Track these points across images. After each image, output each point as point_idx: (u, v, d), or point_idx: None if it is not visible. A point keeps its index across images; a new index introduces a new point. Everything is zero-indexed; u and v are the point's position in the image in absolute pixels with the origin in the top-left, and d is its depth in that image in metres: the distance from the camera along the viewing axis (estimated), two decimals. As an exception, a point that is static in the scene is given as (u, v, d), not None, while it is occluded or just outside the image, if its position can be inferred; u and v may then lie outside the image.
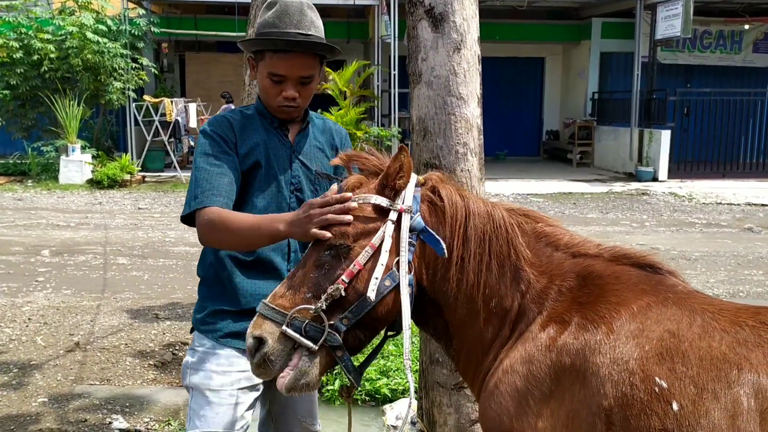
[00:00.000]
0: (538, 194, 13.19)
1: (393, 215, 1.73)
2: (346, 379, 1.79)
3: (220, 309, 2.11)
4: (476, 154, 2.41)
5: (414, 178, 1.81)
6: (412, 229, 1.73)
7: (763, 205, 12.38)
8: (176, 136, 14.82)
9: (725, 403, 1.36)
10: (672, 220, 10.87)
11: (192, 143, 15.33)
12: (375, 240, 1.70)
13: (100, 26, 13.99)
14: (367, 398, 4.49)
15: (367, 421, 4.29)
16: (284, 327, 1.64)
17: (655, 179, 14.73)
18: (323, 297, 1.65)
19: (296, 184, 2.15)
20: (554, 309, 1.69)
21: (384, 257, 1.68)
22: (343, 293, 1.65)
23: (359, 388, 4.51)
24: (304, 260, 1.76)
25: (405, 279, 1.69)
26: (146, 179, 14.37)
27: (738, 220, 10.90)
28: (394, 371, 4.63)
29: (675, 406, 1.40)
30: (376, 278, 1.66)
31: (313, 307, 1.65)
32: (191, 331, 2.19)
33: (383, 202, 1.75)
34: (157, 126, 14.36)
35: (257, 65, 2.10)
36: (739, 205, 12.37)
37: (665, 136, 14.69)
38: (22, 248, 8.25)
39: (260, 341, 1.66)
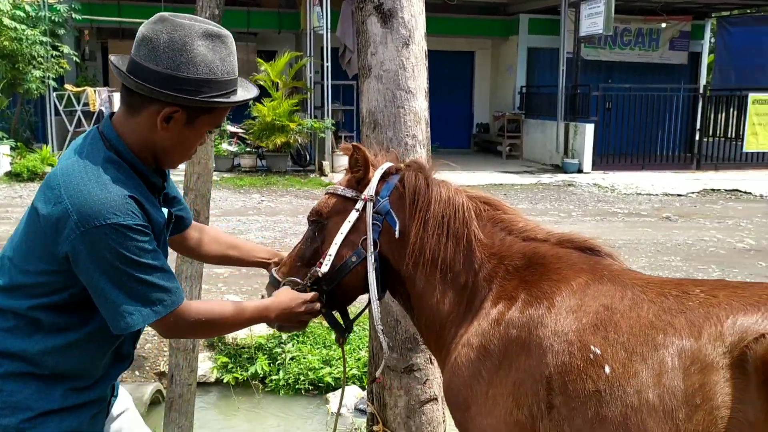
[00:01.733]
0: (470, 185, 13.44)
1: (359, 204, 2.02)
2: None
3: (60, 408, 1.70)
4: (424, 146, 2.50)
5: (385, 167, 2.07)
6: (378, 212, 2.01)
7: (679, 195, 13.08)
8: (101, 126, 14.33)
9: (652, 364, 1.51)
10: (596, 210, 11.35)
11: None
12: (344, 226, 2.02)
13: (18, 12, 13.33)
14: (310, 387, 4.55)
15: (312, 410, 4.35)
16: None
17: (580, 171, 15.30)
18: (308, 275, 2.02)
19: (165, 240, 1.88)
20: (504, 287, 1.88)
21: (339, 238, 2.01)
22: (320, 272, 2.00)
23: (304, 378, 4.57)
24: (304, 235, 2.14)
25: (371, 256, 1.98)
26: (70, 171, 13.85)
27: (656, 209, 11.48)
28: (336, 360, 4.71)
29: (607, 370, 1.56)
30: (330, 255, 2.00)
31: (301, 282, 2.02)
32: None
33: (348, 193, 2.06)
34: (80, 116, 13.84)
35: (185, 120, 1.69)
36: (657, 195, 13.02)
37: (589, 129, 15.27)
38: (-61, 244, 7.85)
39: (262, 298, 2.06)
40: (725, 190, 13.53)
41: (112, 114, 1.76)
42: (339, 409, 2.33)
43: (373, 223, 2.00)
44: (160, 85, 1.62)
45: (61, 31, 14.61)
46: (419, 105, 2.46)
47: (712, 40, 20.07)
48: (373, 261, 1.99)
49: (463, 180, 13.87)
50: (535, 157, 17.25)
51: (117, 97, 14.88)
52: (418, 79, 2.46)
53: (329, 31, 14.29)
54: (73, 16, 14.74)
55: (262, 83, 13.31)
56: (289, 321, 1.95)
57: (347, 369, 4.60)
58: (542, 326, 1.71)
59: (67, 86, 14.34)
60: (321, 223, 2.07)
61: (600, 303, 1.69)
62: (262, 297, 2.10)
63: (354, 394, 4.34)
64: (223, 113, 1.76)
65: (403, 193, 2.03)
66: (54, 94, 14.01)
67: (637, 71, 18.03)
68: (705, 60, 19.14)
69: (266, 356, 4.68)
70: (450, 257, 1.98)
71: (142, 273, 1.61)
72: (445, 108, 19.19)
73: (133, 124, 1.68)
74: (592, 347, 1.61)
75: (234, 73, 1.72)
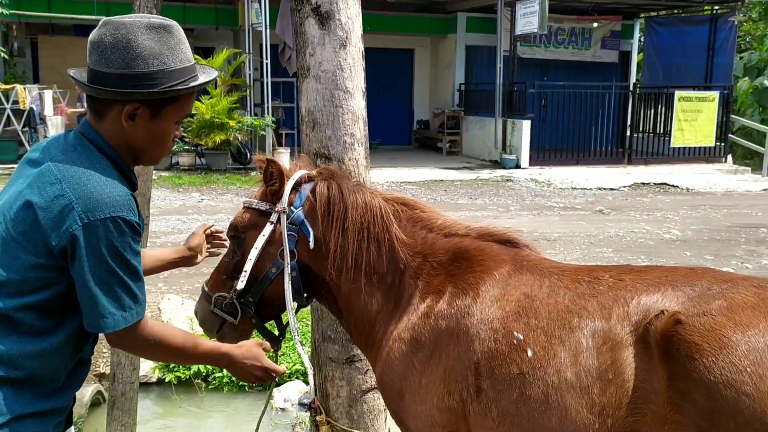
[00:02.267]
0: (411, 182, 13.65)
1: (273, 216, 2.07)
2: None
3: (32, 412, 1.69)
4: (362, 144, 2.59)
5: (296, 177, 2.10)
6: (293, 223, 2.05)
7: (611, 189, 13.58)
8: (31, 125, 13.85)
9: (569, 345, 1.65)
10: (534, 204, 11.68)
11: (47, 133, 14.38)
12: (260, 238, 2.06)
13: (-60, 5, 12.79)
14: (254, 384, 4.58)
15: (256, 405, 4.38)
16: (212, 306, 2.12)
17: (518, 166, 15.69)
18: (232, 290, 2.07)
19: None
20: (430, 282, 1.97)
21: (254, 253, 2.05)
22: (241, 285, 2.06)
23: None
24: (228, 249, 2.20)
25: (288, 267, 2.04)
26: (-2, 172, 13.35)
27: (590, 203, 11.91)
28: (280, 356, 4.74)
29: (529, 353, 1.69)
30: (246, 271, 2.04)
31: (228, 295, 2.09)
32: None
33: (262, 206, 2.10)
34: (9, 114, 13.36)
35: (149, 113, 1.70)
36: (590, 189, 13.49)
37: (526, 126, 15.67)
38: None
39: (195, 313, 2.20)
40: (654, 184, 14.13)
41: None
42: (264, 412, 2.33)
43: (288, 234, 2.03)
44: (114, 86, 1.64)
45: (-13, 26, 14.07)
46: (357, 104, 2.54)
47: (642, 39, 20.84)
48: (290, 271, 2.03)
49: (404, 176, 14.05)
50: (474, 154, 17.58)
51: (48, 94, 14.42)
52: (356, 80, 2.54)
53: (268, 28, 14.20)
54: (1, 11, 14.19)
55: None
56: (241, 376, 1.92)
57: (291, 365, 4.65)
58: (469, 315, 1.82)
59: (-5, 83, 13.82)
60: (239, 238, 2.10)
61: (521, 291, 1.81)
62: (195, 309, 2.18)
63: (298, 389, 4.40)
64: (189, 100, 1.76)
65: (316, 203, 2.06)
66: (-19, 91, 13.49)
67: (571, 69, 18.57)
68: (635, 59, 19.87)
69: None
70: (374, 260, 2.03)
71: (126, 275, 1.65)
72: (386, 105, 19.33)
73: (105, 127, 1.71)
74: (515, 333, 1.73)
75: (188, 60, 1.72)
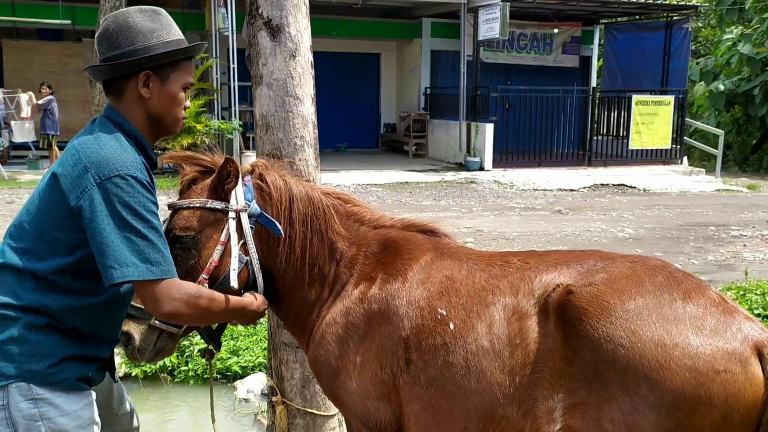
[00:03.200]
0: (377, 184, 13.90)
1: (232, 214, 2.06)
2: (206, 345, 2.25)
3: (77, 356, 1.94)
4: (312, 146, 2.82)
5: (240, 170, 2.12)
6: (249, 216, 2.08)
7: (571, 190, 14.00)
8: (-4, 128, 13.81)
9: (485, 318, 1.92)
10: (495, 205, 12.01)
11: (12, 137, 14.32)
12: (223, 237, 2.04)
13: None
14: (218, 376, 4.78)
15: (220, 397, 4.58)
16: (152, 321, 1.97)
17: (481, 168, 16.04)
18: None
19: None
20: (363, 270, 2.18)
21: (235, 251, 2.03)
22: (232, 286, 2.01)
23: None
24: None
25: (257, 263, 2.09)
26: (-38, 176, 13.27)
27: (550, 203, 12.27)
28: (243, 350, 4.95)
29: (451, 326, 1.95)
30: (234, 269, 2.02)
31: None
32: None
33: (219, 205, 2.06)
34: (-27, 119, 13.31)
35: (159, 80, 1.95)
36: (552, 190, 13.89)
37: (489, 129, 16.04)
38: None
39: (128, 336, 1.99)
40: (613, 185, 14.59)
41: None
42: (212, 405, 2.38)
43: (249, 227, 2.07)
44: (125, 59, 1.92)
45: (-50, 30, 13.98)
46: (306, 109, 2.78)
47: (602, 44, 21.42)
48: (258, 264, 2.09)
49: (371, 178, 14.30)
50: (440, 156, 17.90)
51: (23, 98, 14.41)
52: (305, 87, 2.77)
53: (235, 32, 14.33)
54: (-37, 14, 14.12)
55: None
56: (253, 319, 2.11)
57: (254, 358, 4.85)
58: (398, 297, 2.06)
59: (-42, 87, 13.72)
60: (194, 239, 2.03)
61: (443, 274, 2.07)
62: (125, 333, 1.99)
63: (260, 380, 4.60)
64: (187, 66, 2.01)
65: (269, 192, 2.14)
66: (-57, 95, 13.39)
67: (533, 74, 19.03)
68: (595, 63, 20.43)
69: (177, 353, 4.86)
70: (316, 252, 2.18)
71: (145, 228, 1.80)
72: (353, 109, 19.58)
73: (125, 105, 1.96)
74: (439, 309, 1.99)
75: (180, 35, 1.99)
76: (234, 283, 2.01)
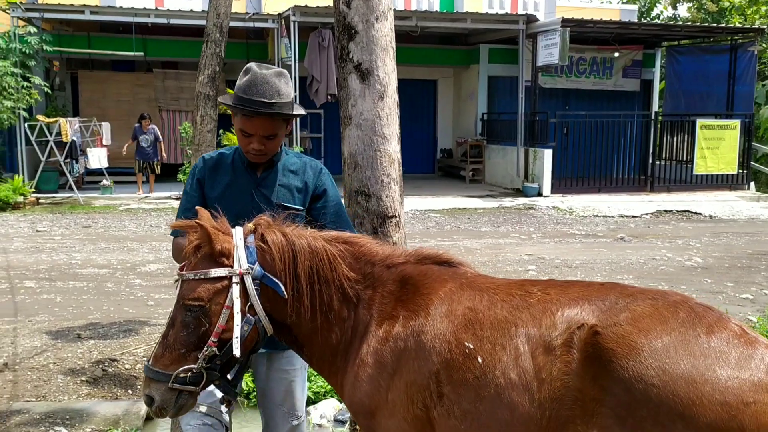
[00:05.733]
0: (435, 210, 13.98)
1: (236, 279, 2.11)
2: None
3: None
4: (397, 183, 2.94)
5: (239, 234, 2.18)
6: (253, 278, 2.13)
7: (633, 216, 13.75)
8: (72, 156, 14.49)
9: (510, 350, 1.95)
10: (555, 231, 11.91)
11: (88, 164, 15.02)
12: (228, 301, 2.09)
13: (-11, 44, 13.55)
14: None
15: (294, 422, 4.69)
16: (170, 383, 2.08)
17: (540, 194, 15.93)
18: (200, 357, 2.08)
19: (256, 212, 2.49)
20: (383, 310, 2.20)
21: (238, 318, 2.08)
22: (216, 351, 2.09)
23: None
24: (171, 320, 2.15)
25: (265, 319, 2.16)
26: (41, 201, 13.96)
27: (612, 230, 12.09)
28: (315, 376, 5.07)
29: (479, 360, 1.98)
30: (237, 338, 2.07)
31: (195, 366, 2.09)
32: None
33: (221, 272, 2.11)
34: (52, 146, 14.01)
35: (234, 118, 2.52)
36: (612, 217, 13.68)
37: (548, 154, 15.95)
38: None
39: (151, 398, 2.11)
40: (677, 211, 14.27)
41: None
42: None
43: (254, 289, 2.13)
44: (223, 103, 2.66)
45: (32, 63, 14.80)
46: (393, 148, 2.91)
47: (664, 67, 21.08)
48: (267, 320, 2.16)
49: (428, 204, 14.40)
50: (496, 182, 17.87)
51: (107, 126, 15.18)
52: (392, 126, 2.90)
53: (297, 61, 14.75)
54: (44, 47, 14.95)
55: (230, 112, 13.69)
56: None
57: (325, 383, 4.96)
58: (424, 333, 2.08)
59: (40, 117, 14.49)
60: (204, 308, 2.10)
61: (465, 306, 2.09)
62: (147, 396, 2.12)
63: (333, 405, 4.70)
64: (241, 119, 2.47)
65: (270, 253, 2.17)
66: (26, 124, 14.16)
67: (593, 98, 18.85)
68: (656, 87, 20.09)
69: (249, 375, 5.01)
70: (327, 300, 2.20)
71: (182, 196, 2.67)
72: (410, 134, 19.75)
73: None
74: (466, 343, 2.02)
75: (253, 95, 2.42)
76: (237, 351, 2.06)
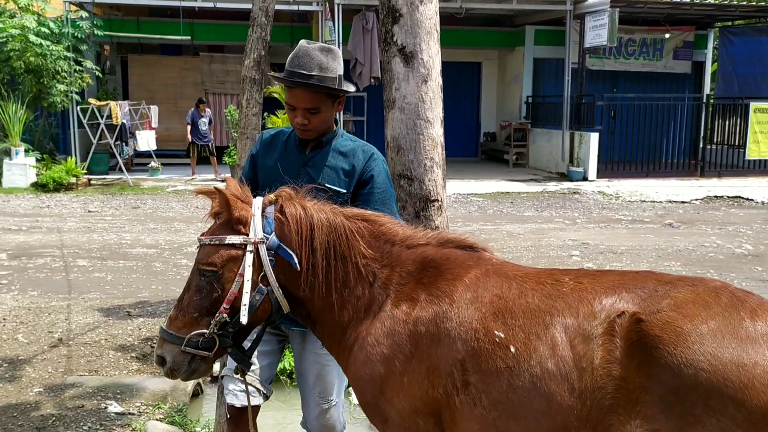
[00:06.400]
0: (478, 194, 13.89)
1: (250, 247, 2.12)
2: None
3: None
4: (440, 167, 2.94)
5: (258, 204, 2.18)
6: (268, 248, 2.13)
7: (682, 202, 13.42)
8: (122, 138, 14.85)
9: (546, 340, 1.92)
10: (600, 217, 11.72)
11: (137, 146, 15.38)
12: (241, 269, 2.11)
13: (43, 29, 13.92)
14: (334, 381, 4.97)
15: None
16: (183, 347, 2.10)
17: (585, 179, 15.68)
18: (212, 323, 2.10)
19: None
20: (401, 291, 2.15)
21: (248, 286, 2.09)
22: (227, 318, 2.10)
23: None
24: (187, 284, 2.17)
25: (278, 291, 2.15)
26: (92, 182, 14.36)
27: (659, 216, 11.84)
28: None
29: (512, 349, 1.94)
30: (245, 305, 2.08)
31: (207, 331, 2.10)
32: None
33: (236, 239, 2.13)
34: (103, 128, 14.38)
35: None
36: (660, 202, 13.38)
37: (594, 138, 15.67)
38: (-22, 252, 8.33)
39: (162, 359, 2.14)
40: (728, 197, 13.87)
41: None
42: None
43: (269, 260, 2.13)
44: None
45: (83, 47, 15.18)
46: (436, 132, 2.90)
47: (717, 49, 20.43)
48: (280, 292, 2.16)
49: (471, 188, 14.31)
50: (541, 166, 17.65)
51: (154, 109, 15.50)
52: (435, 110, 2.90)
53: (341, 44, 14.76)
54: (95, 32, 15.31)
55: (276, 95, 13.79)
56: None
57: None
58: (448, 320, 2.04)
59: (91, 100, 14.87)
60: (216, 274, 2.12)
61: (492, 293, 2.05)
62: (159, 356, 2.15)
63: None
64: (286, 91, 2.52)
65: (288, 224, 2.17)
66: (78, 107, 14.55)
67: (642, 80, 18.41)
68: (708, 69, 19.49)
69: (293, 354, 5.10)
70: (342, 277, 2.18)
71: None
72: (453, 117, 19.56)
73: None
74: (495, 332, 1.97)
75: (294, 67, 2.47)
76: (244, 318, 2.07)
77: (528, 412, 1.90)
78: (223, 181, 2.51)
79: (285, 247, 2.14)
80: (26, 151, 13.95)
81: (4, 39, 13.69)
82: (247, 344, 2.31)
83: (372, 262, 2.19)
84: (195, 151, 15.26)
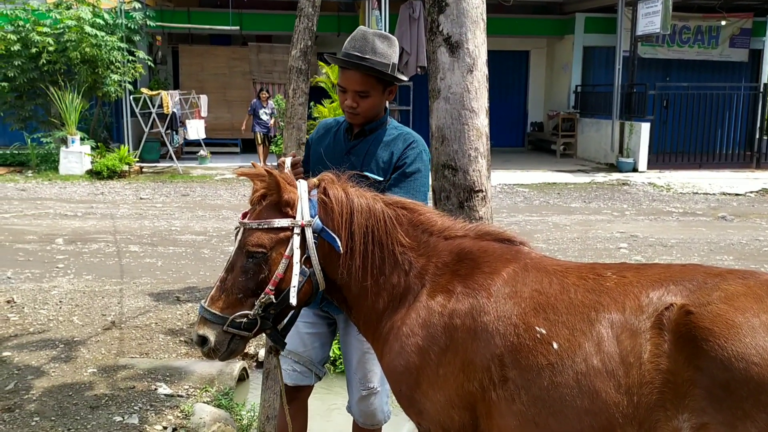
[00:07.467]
0: (524, 184, 13.74)
1: (297, 229, 2.14)
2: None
3: None
4: (485, 157, 2.93)
5: (304, 187, 2.21)
6: (313, 231, 2.15)
7: (736, 194, 13.03)
8: (173, 127, 15.18)
9: (591, 336, 1.88)
10: (650, 209, 11.47)
11: (187, 135, 15.69)
12: (288, 251, 2.12)
13: (98, 20, 14.29)
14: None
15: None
16: (225, 327, 2.11)
17: (635, 170, 15.35)
18: (257, 304, 2.10)
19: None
20: (437, 282, 2.14)
21: (297, 268, 2.11)
22: (273, 299, 2.11)
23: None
24: (231, 265, 2.16)
25: (319, 273, 2.18)
26: (144, 170, 14.73)
27: (713, 209, 11.52)
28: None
29: (555, 345, 1.90)
30: (294, 287, 2.10)
31: (251, 312, 2.11)
32: None
33: (285, 223, 2.14)
34: (154, 118, 14.72)
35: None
36: (714, 194, 13.01)
37: (645, 128, 15.30)
38: (36, 237, 8.65)
39: (204, 339, 2.14)
40: (785, 190, 13.42)
41: None
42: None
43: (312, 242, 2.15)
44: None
45: (136, 38, 15.53)
46: (481, 122, 2.89)
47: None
48: (321, 274, 2.18)
49: (517, 178, 14.17)
50: (589, 156, 17.33)
51: (204, 98, 15.77)
52: (480, 100, 2.88)
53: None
54: (147, 23, 15.64)
55: (322, 85, 13.88)
56: None
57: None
58: (485, 314, 2.00)
59: (143, 90, 15.23)
60: (265, 255, 2.12)
61: (532, 288, 2.01)
62: (200, 336, 2.14)
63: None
64: (339, 72, 2.57)
65: (331, 206, 2.19)
66: (131, 97, 14.93)
67: (696, 69, 17.89)
68: (767, 57, 18.80)
69: (337, 342, 5.16)
70: (379, 263, 2.18)
71: None
72: (500, 107, 19.40)
73: None
74: (537, 328, 1.93)
75: (349, 49, 2.53)
76: (293, 299, 2.09)
77: (570, 410, 1.87)
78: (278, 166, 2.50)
79: (328, 230, 2.17)
80: (82, 139, 14.39)
81: (61, 30, 14.11)
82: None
83: (409, 251, 2.19)
84: (259, 139, 15.30)
